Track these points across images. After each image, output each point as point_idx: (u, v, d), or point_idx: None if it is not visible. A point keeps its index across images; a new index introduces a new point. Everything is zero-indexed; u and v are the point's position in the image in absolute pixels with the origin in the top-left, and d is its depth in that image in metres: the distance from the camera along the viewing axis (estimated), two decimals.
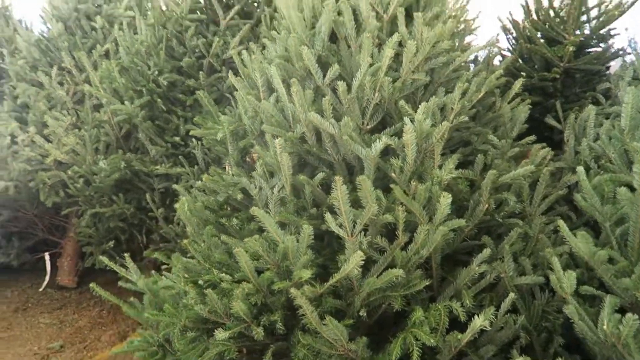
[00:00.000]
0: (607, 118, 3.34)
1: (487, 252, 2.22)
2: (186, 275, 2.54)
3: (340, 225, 2.08)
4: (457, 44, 3.09)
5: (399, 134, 2.36)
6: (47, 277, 5.70)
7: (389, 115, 2.61)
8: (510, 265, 2.33)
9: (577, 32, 4.24)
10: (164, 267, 3.12)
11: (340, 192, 1.99)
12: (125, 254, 2.97)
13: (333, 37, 2.78)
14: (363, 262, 2.00)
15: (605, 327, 1.84)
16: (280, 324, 2.16)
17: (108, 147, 5.12)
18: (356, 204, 2.11)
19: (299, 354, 2.11)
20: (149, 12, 5.29)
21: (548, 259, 2.23)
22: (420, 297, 2.26)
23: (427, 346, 1.98)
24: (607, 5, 4.17)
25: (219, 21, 4.92)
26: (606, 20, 4.17)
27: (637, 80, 3.45)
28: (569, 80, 4.30)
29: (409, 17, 2.73)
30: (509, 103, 3.11)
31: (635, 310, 1.86)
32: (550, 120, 3.96)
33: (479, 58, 3.70)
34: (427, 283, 2.16)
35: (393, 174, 2.29)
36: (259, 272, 2.22)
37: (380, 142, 2.22)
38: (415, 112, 2.34)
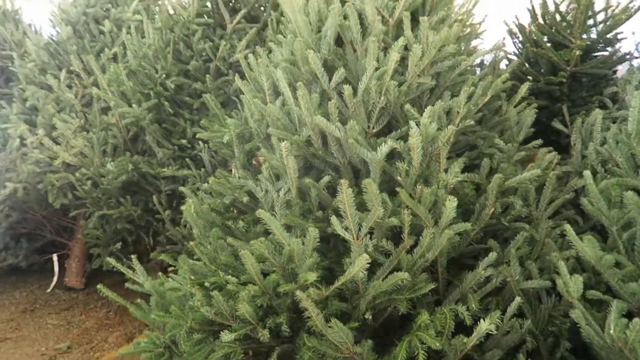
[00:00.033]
0: (614, 122, 3.33)
1: (493, 255, 2.22)
2: (192, 277, 2.55)
3: (346, 228, 2.09)
4: (463, 48, 3.09)
5: (404, 138, 2.36)
6: (55, 279, 5.74)
7: (395, 119, 2.62)
8: (516, 269, 2.32)
9: (584, 36, 4.23)
10: (170, 269, 3.14)
11: (345, 195, 2.00)
12: (132, 256, 2.99)
13: (339, 41, 2.79)
14: (368, 265, 2.00)
15: (612, 331, 1.83)
16: (285, 326, 2.17)
17: (115, 149, 5.16)
18: (362, 207, 2.12)
19: (304, 356, 2.12)
20: (157, 16, 5.33)
21: (554, 263, 2.22)
22: (426, 300, 2.26)
23: (433, 350, 1.98)
24: (614, 10, 4.16)
25: (226, 25, 4.95)
26: (613, 24, 4.16)
27: None
28: (576, 84, 4.29)
29: (414, 21, 2.74)
30: (515, 107, 3.10)
31: None
32: (557, 124, 3.95)
33: (485, 62, 3.71)
34: (433, 286, 2.16)
35: (399, 178, 2.30)
36: (265, 274, 2.23)
37: (386, 145, 2.23)
38: (421, 115, 2.34)
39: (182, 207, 2.95)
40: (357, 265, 1.99)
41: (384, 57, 2.59)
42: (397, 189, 2.22)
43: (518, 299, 2.13)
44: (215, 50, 4.85)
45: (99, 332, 4.68)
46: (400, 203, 2.23)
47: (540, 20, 4.43)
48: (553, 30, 4.28)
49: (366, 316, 2.14)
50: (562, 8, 4.33)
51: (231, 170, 3.21)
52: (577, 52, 4.02)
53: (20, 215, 5.43)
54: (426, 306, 2.23)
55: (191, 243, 2.69)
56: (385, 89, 2.47)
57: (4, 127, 5.23)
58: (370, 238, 2.14)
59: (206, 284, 2.43)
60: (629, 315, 1.86)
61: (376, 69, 2.46)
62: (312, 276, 2.06)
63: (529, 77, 4.36)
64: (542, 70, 4.36)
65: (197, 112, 4.95)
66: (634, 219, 2.14)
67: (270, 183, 2.66)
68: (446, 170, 2.37)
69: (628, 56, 4.27)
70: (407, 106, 2.49)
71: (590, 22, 4.22)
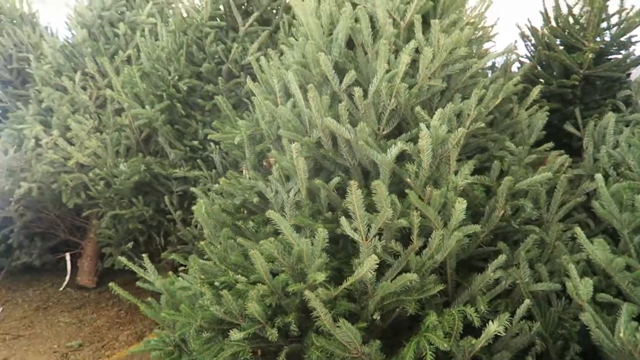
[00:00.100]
0: (627, 125, 3.31)
1: (502, 258, 2.22)
2: (202, 277, 2.58)
3: (355, 229, 2.10)
4: (474, 51, 3.09)
5: (414, 140, 2.37)
6: (68, 277, 5.81)
7: (405, 121, 2.63)
8: (526, 271, 2.32)
9: (597, 39, 4.20)
10: (181, 268, 3.17)
11: (355, 196, 2.01)
12: (144, 255, 3.03)
13: (350, 44, 2.81)
14: (377, 266, 2.01)
15: (622, 334, 1.82)
16: (294, 325, 2.19)
17: (128, 150, 5.22)
18: (371, 208, 2.13)
19: (312, 355, 2.13)
20: (170, 19, 5.40)
21: (565, 266, 2.21)
22: (435, 302, 2.26)
23: (441, 351, 1.98)
24: (628, 13, 4.12)
25: (238, 28, 4.99)
26: (627, 27, 4.12)
27: None
28: (589, 87, 4.25)
29: (425, 24, 2.75)
30: (526, 110, 3.10)
31: None
32: (569, 127, 3.92)
33: (497, 65, 3.70)
34: (442, 288, 2.16)
35: (408, 179, 2.31)
36: (274, 274, 2.25)
37: (396, 147, 2.24)
38: (432, 118, 2.35)
39: (193, 208, 2.98)
40: (365, 266, 2.00)
41: (394, 59, 2.60)
42: (407, 190, 2.22)
43: (527, 302, 2.12)
44: (227, 53, 4.89)
45: (110, 331, 4.73)
46: (409, 205, 2.24)
47: (553, 23, 4.40)
48: (566, 33, 4.26)
49: (374, 317, 2.15)
50: (576, 11, 4.31)
51: (242, 171, 3.23)
52: (590, 55, 3.99)
53: (35, 215, 5.51)
54: (435, 308, 2.23)
55: (201, 243, 2.72)
56: (396, 91, 2.48)
57: (20, 128, 5.32)
58: (379, 239, 2.15)
59: (216, 283, 2.45)
60: (639, 319, 1.84)
61: (387, 72, 2.47)
62: (321, 276, 2.07)
63: (541, 80, 4.34)
64: (555, 73, 4.33)
65: (209, 113, 4.99)
66: None
67: (281, 184, 2.68)
68: (456, 173, 2.37)
69: None
70: (418, 108, 2.50)
71: (604, 24, 4.19)
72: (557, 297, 2.38)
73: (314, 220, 2.46)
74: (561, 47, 4.22)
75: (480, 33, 3.29)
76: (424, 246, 2.17)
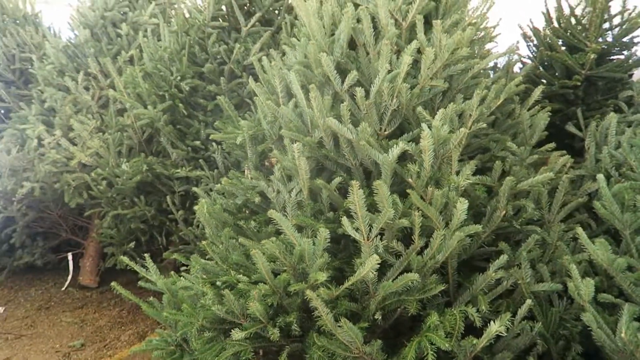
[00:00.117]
0: (629, 126, 3.31)
1: (504, 258, 2.22)
2: (204, 276, 2.59)
3: (357, 229, 2.10)
4: (476, 51, 3.09)
5: (416, 140, 2.38)
6: (70, 277, 5.82)
7: (407, 121, 2.63)
8: (527, 272, 2.32)
9: (599, 39, 4.19)
10: (183, 268, 3.18)
11: (356, 196, 2.02)
12: (146, 255, 3.03)
13: (352, 44, 2.82)
14: (379, 266, 2.02)
15: (623, 335, 1.82)
16: (295, 325, 2.19)
17: (131, 150, 5.23)
18: (373, 208, 2.13)
19: (314, 355, 2.13)
20: (173, 20, 5.41)
21: (566, 267, 2.21)
22: (436, 302, 2.26)
23: (443, 351, 1.98)
24: (630, 13, 4.12)
25: (241, 28, 5.00)
26: (629, 28, 4.12)
27: None
28: (591, 88, 4.25)
29: (427, 25, 2.75)
30: (528, 110, 3.10)
31: None
32: (570, 128, 3.92)
33: (499, 65, 3.70)
34: (443, 288, 2.16)
35: (410, 179, 2.31)
36: (276, 273, 2.25)
37: (398, 147, 2.24)
38: (433, 118, 2.35)
39: (195, 208, 2.99)
40: (367, 266, 2.00)
41: (396, 60, 2.60)
42: (408, 190, 2.23)
43: (529, 302, 2.12)
44: (229, 53, 4.90)
45: (112, 330, 4.74)
46: (411, 205, 2.24)
47: (555, 24, 4.40)
48: (568, 33, 4.25)
49: (376, 316, 2.15)
50: (578, 11, 4.31)
51: (244, 171, 3.24)
52: (592, 56, 3.99)
53: (37, 214, 5.53)
54: (436, 308, 2.23)
55: (203, 242, 2.72)
56: (398, 91, 2.48)
57: (23, 128, 5.34)
58: (381, 239, 2.16)
59: (218, 282, 2.46)
60: None
61: (389, 72, 2.47)
62: (323, 276, 2.08)
63: (543, 81, 4.34)
64: (557, 74, 4.33)
65: (211, 113, 5.00)
66: None
67: (282, 184, 2.69)
68: (458, 173, 2.37)
69: None
70: (419, 109, 2.50)
71: (606, 25, 4.19)
72: (558, 297, 2.38)
73: (315, 220, 2.46)
74: (563, 48, 4.22)
75: (483, 34, 3.29)
76: (426, 246, 2.18)
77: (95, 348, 4.41)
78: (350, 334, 1.99)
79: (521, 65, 4.59)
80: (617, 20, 4.18)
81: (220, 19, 5.12)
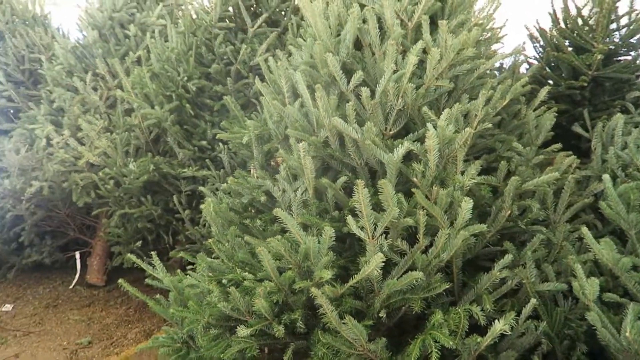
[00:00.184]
0: (636, 127, 3.29)
1: (508, 257, 2.22)
2: (210, 274, 2.61)
3: (362, 228, 2.11)
4: (482, 52, 3.10)
5: (421, 140, 2.39)
6: (77, 275, 5.88)
7: (412, 121, 2.64)
8: (532, 271, 2.32)
9: (606, 40, 4.18)
10: (189, 267, 3.20)
11: (362, 195, 2.03)
12: (153, 253, 3.06)
13: (358, 45, 2.83)
14: (383, 264, 2.03)
15: (628, 334, 1.82)
16: (300, 322, 2.21)
17: (138, 150, 5.27)
18: (378, 207, 2.14)
19: (318, 352, 2.15)
20: (180, 21, 5.45)
21: (571, 266, 2.21)
22: (441, 300, 2.27)
23: (447, 349, 1.99)
24: (638, 14, 4.11)
25: (247, 29, 5.03)
26: (636, 28, 4.10)
27: None
28: (598, 89, 4.24)
29: (433, 25, 2.76)
30: (534, 110, 3.10)
31: None
32: (577, 129, 3.91)
33: (505, 66, 3.70)
34: (447, 286, 2.17)
35: (415, 179, 2.32)
36: (281, 271, 2.27)
37: (403, 147, 2.25)
38: (439, 118, 2.36)
39: (202, 207, 3.01)
40: (372, 264, 2.02)
41: (402, 60, 2.61)
42: (413, 190, 2.24)
43: (533, 301, 2.13)
44: (236, 54, 4.93)
45: (119, 328, 4.78)
46: (415, 204, 2.25)
47: (562, 25, 4.39)
48: (575, 34, 4.25)
49: (380, 314, 2.16)
50: (585, 12, 4.29)
51: (250, 171, 3.26)
52: (599, 56, 3.97)
53: (45, 213, 5.58)
54: (441, 306, 2.24)
55: (209, 241, 2.75)
56: (403, 91, 2.49)
57: (32, 128, 5.40)
58: (386, 238, 2.17)
59: (224, 280, 2.48)
60: None
61: (394, 72, 2.48)
62: (327, 274, 2.09)
63: (549, 81, 4.34)
64: (563, 74, 4.32)
65: (217, 114, 5.03)
66: None
67: (288, 183, 2.70)
68: (463, 172, 2.38)
69: None
70: (425, 108, 2.51)
71: (613, 26, 4.17)
72: (563, 297, 2.38)
73: (320, 218, 2.48)
74: (570, 49, 4.21)
75: (489, 34, 3.29)
76: (430, 245, 2.19)
77: (102, 345, 4.45)
78: (355, 332, 2.00)
79: (527, 66, 4.58)
80: (624, 21, 4.16)
81: (227, 20, 5.16)
